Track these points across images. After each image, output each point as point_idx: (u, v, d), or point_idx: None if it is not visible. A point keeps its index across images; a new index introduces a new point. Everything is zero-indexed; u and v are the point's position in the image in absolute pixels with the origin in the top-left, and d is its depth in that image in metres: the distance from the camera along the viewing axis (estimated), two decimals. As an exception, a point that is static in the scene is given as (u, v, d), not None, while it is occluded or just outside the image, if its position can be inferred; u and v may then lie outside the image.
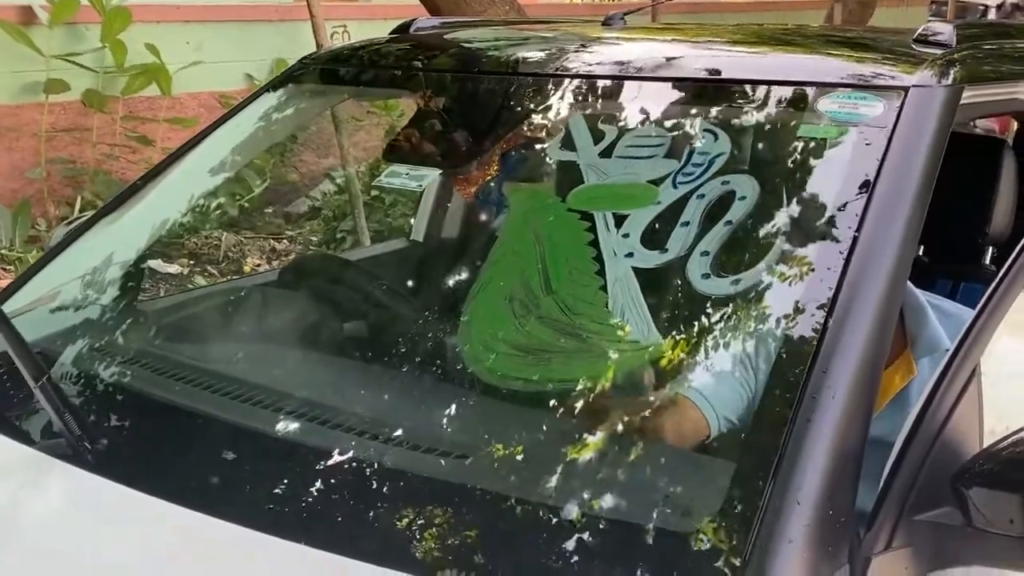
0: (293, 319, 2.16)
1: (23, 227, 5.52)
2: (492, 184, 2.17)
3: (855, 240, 1.54)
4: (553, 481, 1.49)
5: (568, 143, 2.02)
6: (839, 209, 1.60)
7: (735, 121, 1.88)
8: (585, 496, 1.45)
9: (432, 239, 3.04)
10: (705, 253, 1.73)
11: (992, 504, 1.39)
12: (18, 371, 1.74)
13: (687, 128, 1.91)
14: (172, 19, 6.46)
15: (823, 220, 1.61)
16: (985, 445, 1.50)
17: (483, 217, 2.34)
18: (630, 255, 1.80)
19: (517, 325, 1.79)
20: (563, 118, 2.05)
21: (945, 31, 1.88)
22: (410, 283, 2.59)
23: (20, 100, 5.93)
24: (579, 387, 1.65)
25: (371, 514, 1.49)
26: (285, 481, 1.56)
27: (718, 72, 1.94)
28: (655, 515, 1.40)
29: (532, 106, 2.10)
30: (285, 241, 6.09)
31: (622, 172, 1.94)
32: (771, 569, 1.29)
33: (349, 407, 1.74)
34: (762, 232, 1.71)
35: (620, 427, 1.58)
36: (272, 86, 2.48)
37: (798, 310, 1.52)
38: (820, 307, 1.49)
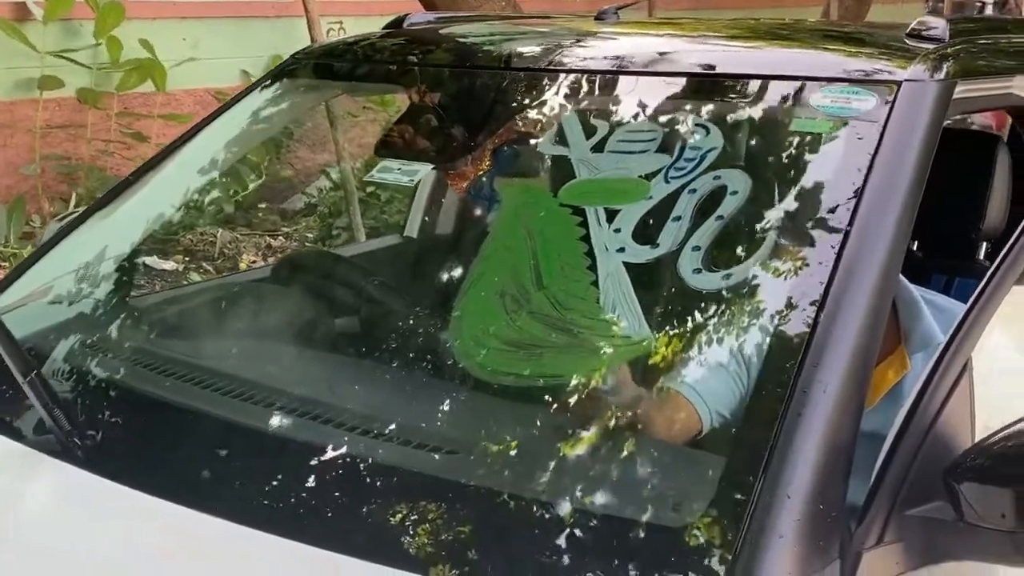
0: (284, 315, 2.16)
1: (18, 223, 5.51)
2: (484, 179, 2.16)
3: (847, 234, 1.54)
4: (544, 476, 1.48)
5: (560, 138, 2.01)
6: (831, 204, 1.59)
7: (727, 116, 1.87)
8: (576, 491, 1.45)
9: (425, 235, 3.04)
10: (697, 248, 1.72)
11: (983, 499, 1.38)
12: (7, 367, 1.73)
13: (679, 123, 1.91)
14: (168, 15, 6.45)
15: (815, 215, 1.61)
16: (977, 440, 1.50)
17: (475, 212, 2.34)
18: (621, 250, 1.79)
19: (508, 320, 1.78)
20: (555, 113, 2.04)
21: (938, 25, 1.88)
22: (403, 279, 2.58)
23: (14, 96, 5.91)
24: (570, 382, 1.65)
25: (361, 510, 1.49)
26: (275, 477, 1.55)
27: (710, 67, 1.94)
28: (645, 510, 1.39)
29: (524, 101, 2.09)
30: (281, 238, 6.08)
31: (614, 167, 1.94)
32: (761, 564, 1.29)
33: (339, 403, 1.74)
34: (754, 227, 1.71)
35: (611, 422, 1.58)
36: (265, 81, 2.47)
37: (790, 305, 1.51)
38: (812, 302, 1.49)
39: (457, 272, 2.01)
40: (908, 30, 1.91)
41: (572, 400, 1.63)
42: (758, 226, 1.70)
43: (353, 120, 6.45)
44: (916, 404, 1.45)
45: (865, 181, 1.58)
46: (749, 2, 9.43)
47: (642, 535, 1.36)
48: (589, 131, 1.99)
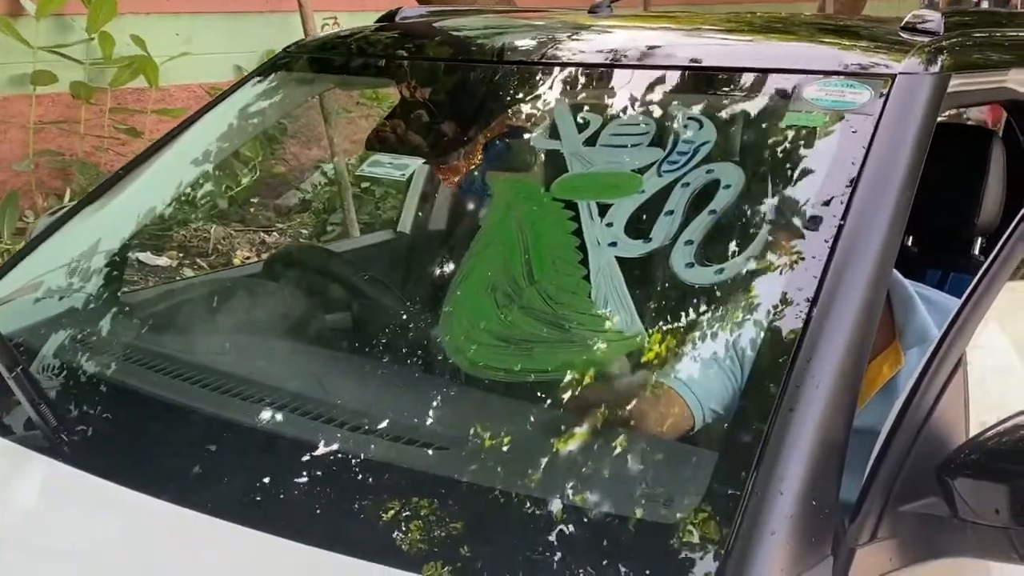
0: (276, 310, 2.15)
1: (11, 219, 5.50)
2: (476, 173, 2.15)
3: (840, 229, 1.53)
4: (535, 472, 1.48)
5: (552, 132, 2.00)
6: (824, 197, 1.58)
7: (721, 109, 1.86)
8: (568, 487, 1.44)
9: (418, 230, 3.03)
10: (689, 242, 1.71)
11: (977, 494, 1.38)
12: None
13: (672, 117, 1.90)
14: (162, 10, 6.43)
15: (808, 209, 1.60)
16: (971, 436, 1.49)
17: (468, 207, 2.32)
18: (613, 244, 1.78)
19: (499, 315, 1.77)
20: (547, 107, 2.03)
21: (933, 19, 1.87)
22: (395, 274, 2.57)
23: (7, 92, 5.90)
24: (561, 378, 1.64)
25: (352, 506, 1.48)
26: (265, 473, 1.54)
27: (704, 60, 1.93)
28: (637, 506, 1.38)
29: (516, 95, 2.08)
30: (275, 234, 6.07)
31: (606, 161, 1.93)
32: (753, 560, 1.28)
33: (330, 398, 1.73)
34: (747, 221, 1.70)
35: (603, 418, 1.57)
36: (257, 74, 2.46)
37: (783, 299, 1.50)
38: (805, 296, 1.48)
39: (449, 267, 2.00)
40: (903, 23, 1.90)
41: (563, 396, 1.62)
42: (751, 220, 1.69)
43: (346, 115, 6.43)
44: (910, 400, 1.44)
45: (859, 175, 1.57)
46: (743, -3, 9.43)
47: (634, 531, 1.36)
48: (581, 125, 1.97)
